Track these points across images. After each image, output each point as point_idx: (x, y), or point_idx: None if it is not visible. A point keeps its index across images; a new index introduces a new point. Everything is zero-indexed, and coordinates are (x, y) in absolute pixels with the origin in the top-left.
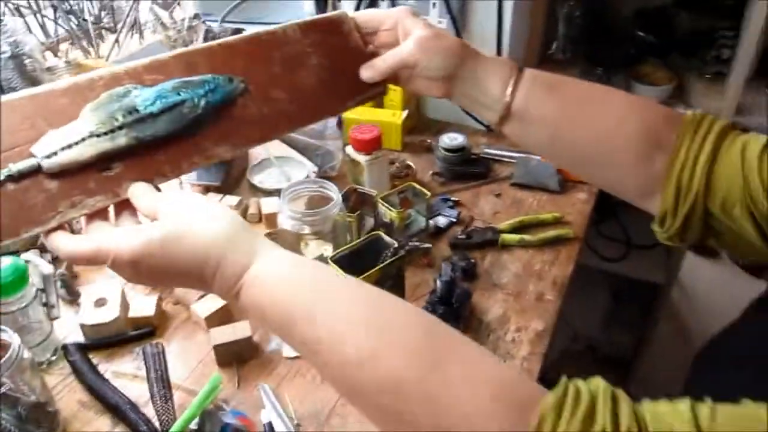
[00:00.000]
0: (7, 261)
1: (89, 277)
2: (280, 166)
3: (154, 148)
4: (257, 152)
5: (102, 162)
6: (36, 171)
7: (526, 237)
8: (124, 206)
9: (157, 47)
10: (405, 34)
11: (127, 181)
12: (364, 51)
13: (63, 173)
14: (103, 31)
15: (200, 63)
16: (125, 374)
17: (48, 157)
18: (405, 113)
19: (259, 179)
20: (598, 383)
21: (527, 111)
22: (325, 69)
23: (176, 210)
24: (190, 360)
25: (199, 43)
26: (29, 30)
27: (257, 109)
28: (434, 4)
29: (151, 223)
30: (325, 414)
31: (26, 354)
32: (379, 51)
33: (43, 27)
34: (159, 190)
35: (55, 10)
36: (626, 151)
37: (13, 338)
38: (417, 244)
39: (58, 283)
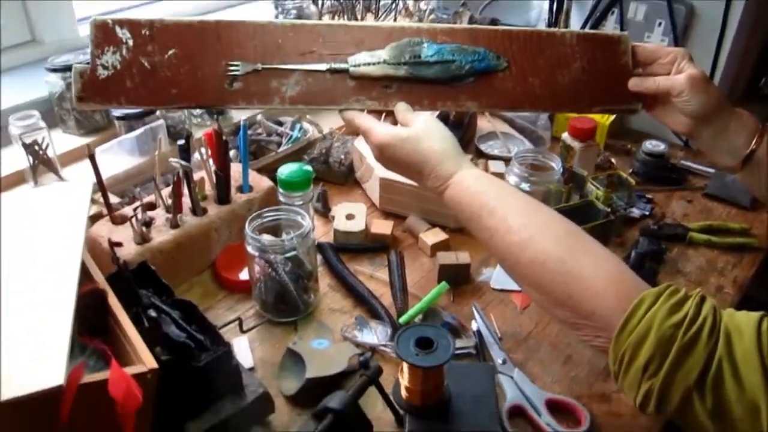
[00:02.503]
0: (294, 167)
1: (337, 199)
2: (503, 140)
3: (422, 84)
4: (485, 126)
5: (385, 81)
6: (345, 71)
7: (714, 238)
8: (387, 114)
9: None
10: (678, 70)
11: (396, 99)
12: (630, 71)
13: (360, 78)
14: (362, 10)
15: (481, 38)
16: (364, 273)
17: (355, 66)
18: (612, 117)
19: (485, 147)
20: (697, 290)
21: (763, 161)
22: (586, 73)
23: (421, 124)
24: (414, 274)
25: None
26: (320, 3)
27: (512, 86)
28: (660, 23)
29: (402, 127)
30: (523, 336)
31: (312, 234)
32: (647, 76)
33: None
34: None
35: None
36: None
37: (306, 220)
38: (632, 214)
39: (316, 197)
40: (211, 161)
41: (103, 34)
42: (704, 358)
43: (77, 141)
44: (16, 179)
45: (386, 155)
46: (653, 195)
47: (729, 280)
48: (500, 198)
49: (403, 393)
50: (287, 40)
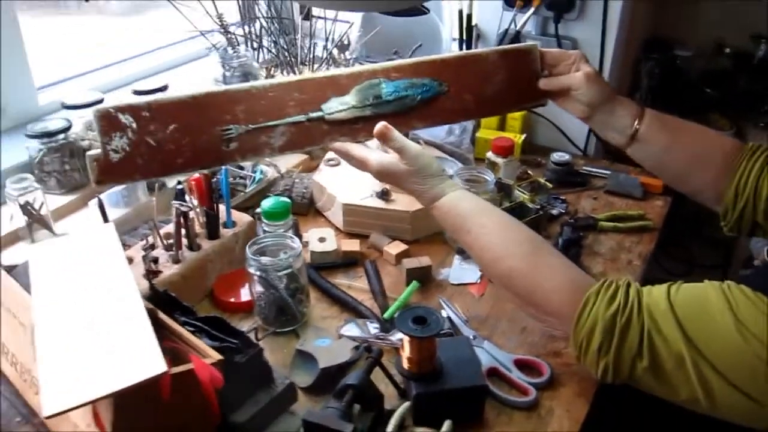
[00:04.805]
0: (273, 200)
1: (303, 227)
2: (439, 162)
3: (382, 118)
4: None
5: (354, 121)
6: (321, 119)
7: (618, 224)
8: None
9: None
10: (577, 69)
11: (363, 133)
12: (539, 74)
13: (332, 122)
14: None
15: (424, 69)
16: (342, 284)
17: (330, 114)
18: (523, 136)
19: None
20: (626, 278)
21: (646, 138)
22: (505, 82)
23: (413, 159)
24: (385, 280)
25: None
26: (256, 59)
27: (450, 104)
28: None
29: (397, 160)
30: (484, 317)
31: (302, 254)
32: (553, 76)
33: (258, 55)
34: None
35: (275, 44)
36: (708, 170)
37: (296, 242)
38: (552, 213)
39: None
40: (196, 202)
41: (108, 122)
42: (639, 332)
43: (59, 200)
44: (11, 238)
45: (385, 180)
46: (565, 196)
47: (635, 255)
48: (476, 220)
49: (405, 364)
50: (269, 100)
